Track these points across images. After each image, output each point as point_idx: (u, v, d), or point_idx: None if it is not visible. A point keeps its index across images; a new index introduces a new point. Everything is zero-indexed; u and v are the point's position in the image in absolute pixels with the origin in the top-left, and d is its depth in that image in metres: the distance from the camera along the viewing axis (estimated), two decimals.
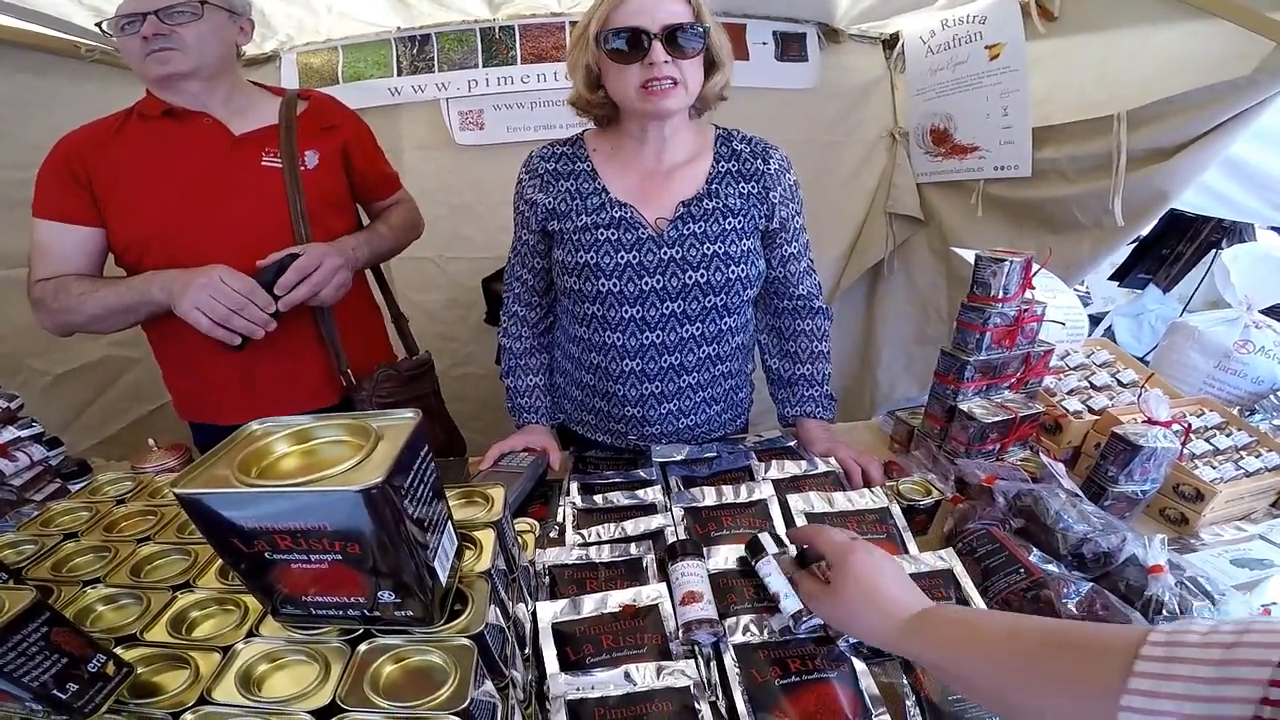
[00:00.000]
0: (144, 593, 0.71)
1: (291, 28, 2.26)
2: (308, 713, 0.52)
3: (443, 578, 0.58)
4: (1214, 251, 2.51)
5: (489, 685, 0.58)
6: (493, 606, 0.61)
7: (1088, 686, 0.50)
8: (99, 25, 1.34)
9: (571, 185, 1.26)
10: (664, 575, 0.96)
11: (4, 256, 1.81)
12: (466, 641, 0.56)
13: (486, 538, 0.69)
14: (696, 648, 0.86)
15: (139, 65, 1.34)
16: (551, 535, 1.11)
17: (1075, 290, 3.57)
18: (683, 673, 0.81)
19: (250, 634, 0.62)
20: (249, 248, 1.37)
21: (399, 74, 2.39)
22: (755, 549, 0.96)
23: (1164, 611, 0.85)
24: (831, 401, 1.43)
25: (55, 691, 0.50)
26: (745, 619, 0.88)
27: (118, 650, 0.59)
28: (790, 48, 2.52)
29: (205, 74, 1.37)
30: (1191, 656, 0.46)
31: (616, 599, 0.90)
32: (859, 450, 1.30)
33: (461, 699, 0.50)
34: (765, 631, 0.87)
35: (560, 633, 0.86)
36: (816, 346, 1.42)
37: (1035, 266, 1.27)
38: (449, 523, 0.62)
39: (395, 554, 0.52)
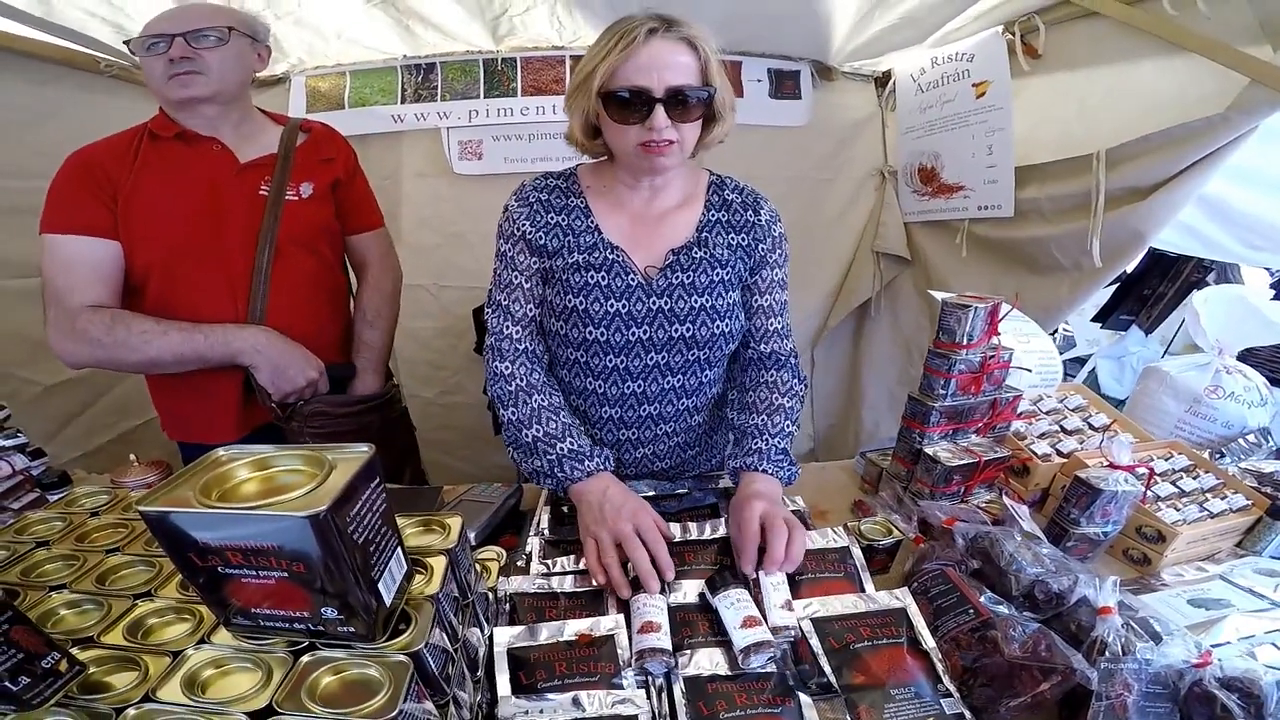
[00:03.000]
0: (106, 599, 0.74)
1: (302, 51, 2.33)
2: (245, 714, 0.55)
3: (387, 599, 0.61)
4: (1195, 292, 2.54)
5: (428, 704, 0.60)
6: (436, 628, 0.64)
7: None
8: (126, 44, 1.37)
9: (564, 220, 1.23)
10: (623, 607, 0.97)
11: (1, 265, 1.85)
12: (404, 658, 0.59)
13: (439, 564, 0.71)
14: (650, 679, 0.88)
15: (160, 86, 1.36)
16: (518, 564, 1.13)
17: (1064, 331, 3.62)
18: (633, 702, 0.82)
19: (202, 641, 0.65)
20: (227, 273, 1.43)
21: (403, 101, 2.46)
22: (714, 585, 0.98)
23: (1106, 653, 0.85)
24: (784, 458, 1.20)
25: (6, 683, 0.53)
26: (699, 653, 0.90)
27: (74, 650, 0.62)
28: (784, 85, 2.58)
29: (223, 99, 1.41)
30: None
31: (574, 627, 0.92)
32: (779, 512, 1.06)
33: (390, 710, 0.53)
34: (717, 665, 0.88)
35: (515, 657, 0.88)
36: (777, 400, 1.25)
37: (1005, 308, 1.29)
38: (398, 549, 0.65)
39: (339, 575, 0.56)
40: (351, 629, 0.59)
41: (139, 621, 0.70)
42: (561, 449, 1.17)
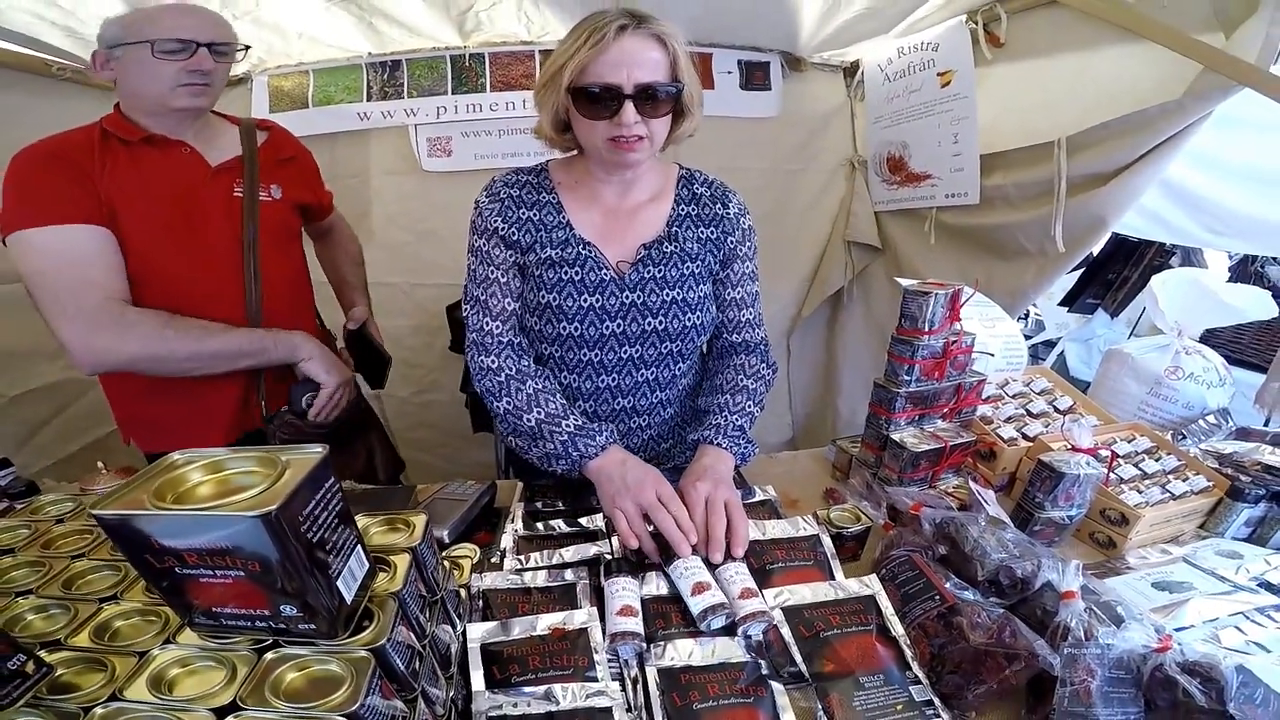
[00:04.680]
0: (72, 604, 0.74)
1: (262, 50, 2.29)
2: (209, 710, 0.56)
3: (348, 597, 0.62)
4: (1154, 276, 2.59)
5: (396, 700, 0.61)
6: (400, 625, 0.64)
7: None
8: (151, 44, 1.28)
9: (536, 215, 1.23)
10: (596, 600, 0.98)
11: None
12: (365, 653, 0.59)
13: (402, 561, 0.72)
14: (624, 670, 0.89)
15: (163, 90, 1.31)
16: (493, 560, 1.13)
17: (1034, 315, 3.69)
18: (606, 694, 0.83)
19: (167, 642, 0.66)
20: (215, 277, 1.43)
21: (369, 99, 2.44)
22: (668, 555, 1.01)
23: (1069, 638, 0.86)
24: (741, 435, 1.23)
25: None
26: (672, 644, 0.91)
27: (41, 653, 0.62)
28: (754, 77, 2.59)
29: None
30: None
31: (546, 621, 0.92)
32: (722, 495, 1.09)
33: (352, 703, 0.54)
34: (690, 655, 0.90)
35: (489, 652, 0.88)
36: (741, 380, 1.30)
37: (967, 294, 1.31)
38: (358, 547, 0.65)
39: (296, 574, 0.56)
40: (313, 626, 0.60)
41: (105, 624, 0.71)
42: (568, 427, 1.17)
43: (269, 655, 0.60)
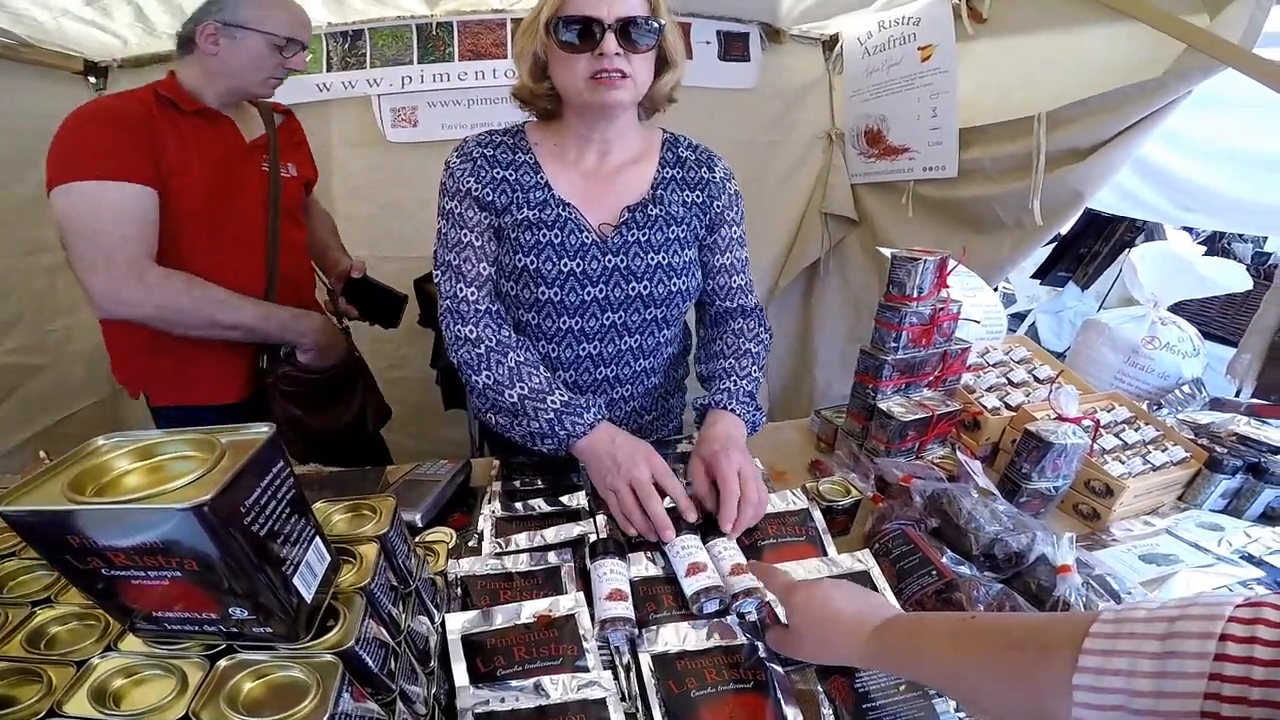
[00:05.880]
0: (2, 608, 0.68)
1: None
2: None
3: (307, 596, 0.55)
4: (1128, 250, 2.63)
5: (370, 703, 0.55)
6: (369, 621, 0.59)
7: (1043, 679, 0.50)
8: (289, 40, 1.45)
9: (511, 175, 1.17)
10: (582, 584, 0.94)
11: None
12: (332, 657, 0.53)
13: (369, 551, 0.66)
14: (616, 657, 0.84)
15: (257, 79, 1.47)
16: (470, 544, 1.08)
17: (1004, 288, 3.73)
18: (599, 684, 0.79)
19: (108, 649, 0.59)
20: (244, 242, 1.55)
21: (329, 70, 2.32)
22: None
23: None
24: (751, 401, 1.20)
25: None
26: (664, 628, 0.87)
27: None
28: (733, 47, 2.53)
29: None
30: (1137, 632, 0.46)
31: (531, 609, 0.87)
32: (752, 470, 1.06)
33: (321, 714, 0.48)
34: (685, 639, 0.86)
35: (471, 644, 0.83)
36: (744, 345, 1.26)
37: (952, 264, 1.29)
38: (317, 538, 0.59)
39: (242, 572, 0.50)
40: (269, 629, 0.54)
41: (39, 630, 0.64)
42: (554, 404, 1.11)
43: (223, 662, 0.54)
